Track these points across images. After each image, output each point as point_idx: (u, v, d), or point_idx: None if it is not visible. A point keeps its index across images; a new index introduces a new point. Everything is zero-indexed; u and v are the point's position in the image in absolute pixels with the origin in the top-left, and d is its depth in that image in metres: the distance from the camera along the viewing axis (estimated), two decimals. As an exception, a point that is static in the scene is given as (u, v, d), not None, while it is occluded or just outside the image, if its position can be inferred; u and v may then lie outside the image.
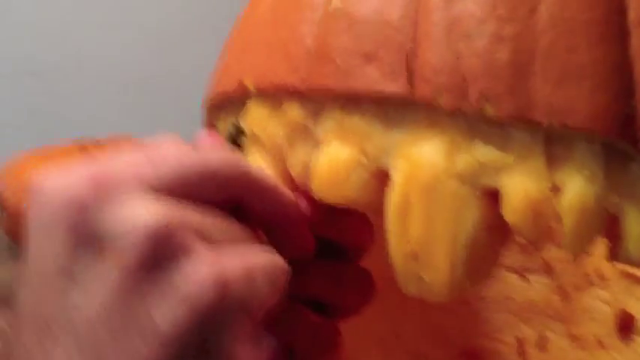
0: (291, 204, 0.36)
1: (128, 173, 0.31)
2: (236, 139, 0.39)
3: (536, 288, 0.61)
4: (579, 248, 0.32)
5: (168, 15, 1.62)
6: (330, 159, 0.35)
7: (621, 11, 0.32)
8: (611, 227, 0.33)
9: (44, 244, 0.30)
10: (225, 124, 0.43)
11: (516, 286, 0.62)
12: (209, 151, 0.34)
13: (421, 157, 0.33)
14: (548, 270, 0.60)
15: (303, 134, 0.37)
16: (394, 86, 0.33)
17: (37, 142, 1.08)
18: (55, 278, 0.30)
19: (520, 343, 0.61)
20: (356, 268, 0.41)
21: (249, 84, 0.39)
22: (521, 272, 0.62)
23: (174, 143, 0.33)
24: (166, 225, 0.29)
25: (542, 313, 0.61)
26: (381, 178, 0.35)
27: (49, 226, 0.30)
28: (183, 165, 0.32)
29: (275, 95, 0.38)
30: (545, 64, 0.31)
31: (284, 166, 0.38)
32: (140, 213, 0.29)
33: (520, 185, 0.31)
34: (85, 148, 1.00)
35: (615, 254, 0.33)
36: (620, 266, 0.56)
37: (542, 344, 0.60)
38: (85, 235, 0.29)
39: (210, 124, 0.46)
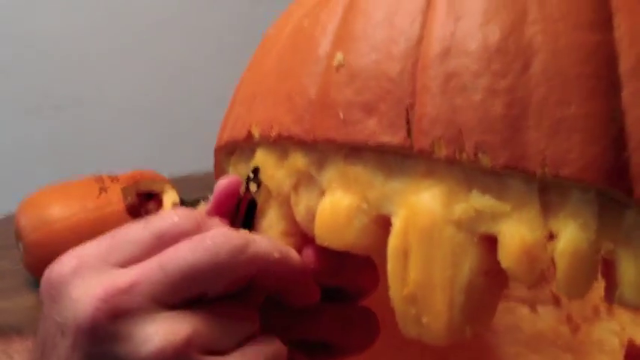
0: (298, 267, 0.38)
1: (140, 291, 0.33)
2: (253, 182, 0.40)
3: (546, 319, 0.62)
4: (574, 293, 0.33)
5: (188, 45, 1.64)
6: (333, 206, 0.36)
7: (612, 65, 0.33)
8: (607, 270, 0.34)
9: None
10: (236, 169, 0.45)
11: (526, 317, 0.63)
12: (217, 238, 0.36)
13: (421, 204, 0.34)
14: (556, 302, 0.61)
15: (308, 181, 0.38)
16: (394, 138, 0.34)
17: (58, 174, 1.10)
18: None
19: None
20: (361, 309, 0.42)
21: (256, 133, 0.40)
22: (531, 304, 0.62)
23: (184, 231, 0.36)
24: (175, 348, 0.33)
25: (552, 344, 0.62)
26: (382, 224, 0.36)
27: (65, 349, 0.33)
28: (193, 267, 0.34)
29: (281, 144, 0.39)
30: (538, 117, 0.32)
31: (290, 212, 0.40)
32: (152, 338, 0.33)
33: (516, 232, 0.33)
34: (102, 181, 1.02)
35: (611, 297, 0.34)
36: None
37: (551, 377, 0.61)
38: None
39: (221, 167, 0.48)
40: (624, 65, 0.33)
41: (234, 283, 0.36)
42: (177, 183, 1.06)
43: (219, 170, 0.48)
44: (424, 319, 0.34)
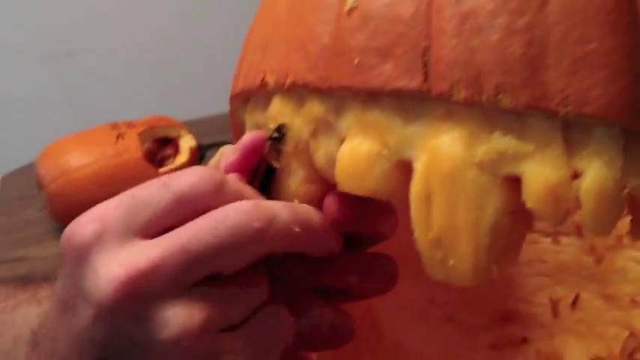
0: (320, 231, 0.38)
1: (160, 274, 0.34)
2: (278, 142, 0.40)
3: (569, 251, 0.62)
4: (600, 231, 0.32)
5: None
6: (353, 152, 0.36)
7: (632, -1, 0.32)
8: (633, 206, 0.34)
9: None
10: (252, 117, 0.44)
11: (549, 249, 0.63)
12: (240, 217, 0.35)
13: (441, 148, 0.34)
14: (579, 232, 0.61)
15: (326, 128, 0.38)
16: (411, 83, 0.34)
17: (73, 122, 1.10)
18: None
19: (554, 304, 0.62)
20: (379, 255, 0.43)
21: (271, 81, 0.40)
22: (554, 235, 0.62)
23: (204, 193, 0.36)
24: (192, 333, 0.33)
25: (576, 274, 0.62)
26: (403, 168, 0.36)
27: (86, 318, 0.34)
28: (216, 248, 0.34)
29: (297, 92, 0.39)
30: (558, 55, 0.32)
31: (310, 159, 0.40)
32: (169, 323, 0.33)
33: (540, 172, 0.32)
34: (118, 127, 1.02)
35: (637, 233, 0.34)
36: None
37: (576, 304, 0.61)
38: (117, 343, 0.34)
39: (237, 115, 0.48)
40: (644, -1, 0.32)
41: (253, 261, 0.36)
42: (193, 126, 1.06)
43: (235, 118, 0.48)
44: (450, 262, 0.34)
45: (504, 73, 0.32)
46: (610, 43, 0.31)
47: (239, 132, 0.48)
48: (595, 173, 0.32)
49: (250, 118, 0.45)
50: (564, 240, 0.62)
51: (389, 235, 0.42)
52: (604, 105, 0.31)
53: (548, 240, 0.63)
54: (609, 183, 0.32)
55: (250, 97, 0.44)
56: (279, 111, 0.40)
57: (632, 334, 0.58)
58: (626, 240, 0.59)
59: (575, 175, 0.32)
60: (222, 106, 0.45)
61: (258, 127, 0.44)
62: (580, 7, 0.31)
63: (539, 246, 0.63)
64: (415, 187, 0.35)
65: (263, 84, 0.40)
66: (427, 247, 0.35)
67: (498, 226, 0.34)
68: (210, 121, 1.18)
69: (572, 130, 0.32)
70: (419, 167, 0.34)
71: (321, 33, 0.37)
